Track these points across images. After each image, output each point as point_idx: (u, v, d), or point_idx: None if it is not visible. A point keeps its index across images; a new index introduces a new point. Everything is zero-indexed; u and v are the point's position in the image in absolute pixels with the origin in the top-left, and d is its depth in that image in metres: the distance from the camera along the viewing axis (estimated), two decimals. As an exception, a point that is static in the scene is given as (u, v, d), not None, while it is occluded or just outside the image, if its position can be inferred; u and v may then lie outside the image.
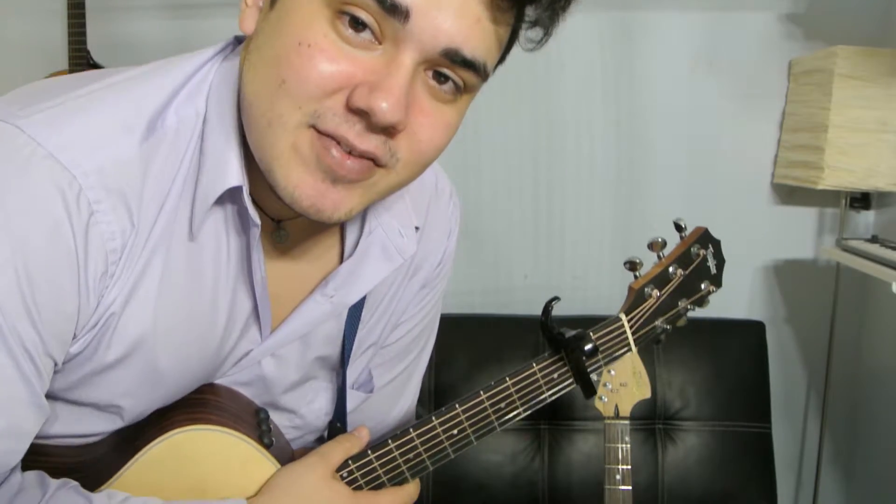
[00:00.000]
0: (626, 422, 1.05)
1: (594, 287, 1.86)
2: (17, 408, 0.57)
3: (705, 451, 1.57)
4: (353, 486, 0.77)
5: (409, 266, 0.82)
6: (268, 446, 0.72)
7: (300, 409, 0.82)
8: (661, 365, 1.59)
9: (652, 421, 1.59)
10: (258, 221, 0.63)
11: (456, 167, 1.80)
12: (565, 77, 1.75)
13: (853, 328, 1.81)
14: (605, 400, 1.05)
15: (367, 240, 0.73)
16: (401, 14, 0.53)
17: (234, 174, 0.61)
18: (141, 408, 0.69)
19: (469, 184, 1.81)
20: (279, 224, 0.69)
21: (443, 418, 0.79)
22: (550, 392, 0.83)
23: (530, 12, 0.59)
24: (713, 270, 0.89)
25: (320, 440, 0.88)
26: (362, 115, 0.55)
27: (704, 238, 0.89)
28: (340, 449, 0.76)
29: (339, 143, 0.56)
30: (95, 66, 1.70)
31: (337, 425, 0.81)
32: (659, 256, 0.88)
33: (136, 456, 0.67)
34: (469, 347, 1.63)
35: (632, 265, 0.87)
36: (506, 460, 1.57)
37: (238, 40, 0.67)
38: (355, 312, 0.78)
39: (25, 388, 0.57)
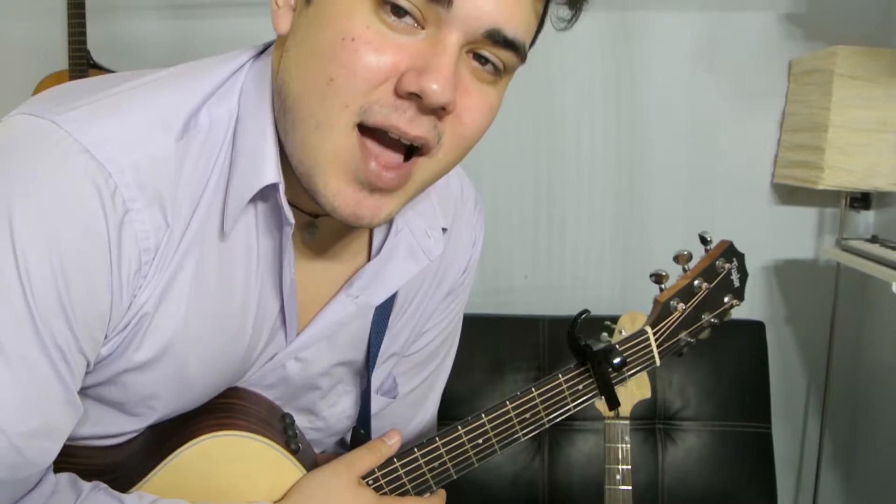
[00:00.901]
0: (626, 422, 1.05)
1: (594, 287, 1.86)
2: (51, 406, 0.57)
3: (705, 451, 1.57)
4: (379, 493, 0.76)
5: (436, 272, 0.81)
6: (294, 452, 0.72)
7: (322, 411, 0.81)
8: (661, 365, 1.59)
9: (652, 421, 1.59)
10: (292, 220, 0.62)
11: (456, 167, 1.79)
12: (565, 77, 1.75)
13: (853, 328, 1.81)
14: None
15: (394, 240, 0.73)
16: (444, 0, 0.53)
17: (270, 171, 0.60)
18: (168, 409, 0.69)
19: (469, 184, 1.81)
20: (313, 220, 0.69)
21: (468, 427, 0.78)
22: (575, 403, 0.82)
23: None
24: (736, 284, 0.89)
25: (342, 443, 0.88)
26: (412, 98, 0.55)
27: (729, 252, 0.89)
28: (369, 457, 0.75)
29: (387, 133, 0.56)
30: (95, 66, 1.70)
31: (360, 431, 0.80)
32: (684, 269, 0.88)
33: (166, 460, 0.68)
34: (469, 347, 1.62)
35: (657, 278, 0.87)
36: (506, 460, 1.57)
37: (270, 44, 0.67)
38: (382, 317, 0.78)
39: (60, 386, 0.57)
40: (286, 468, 0.71)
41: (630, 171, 1.80)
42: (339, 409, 0.82)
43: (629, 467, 1.04)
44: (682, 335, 0.87)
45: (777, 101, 1.74)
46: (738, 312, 1.79)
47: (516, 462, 1.58)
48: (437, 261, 0.78)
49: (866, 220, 1.78)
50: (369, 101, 0.55)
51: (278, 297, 0.69)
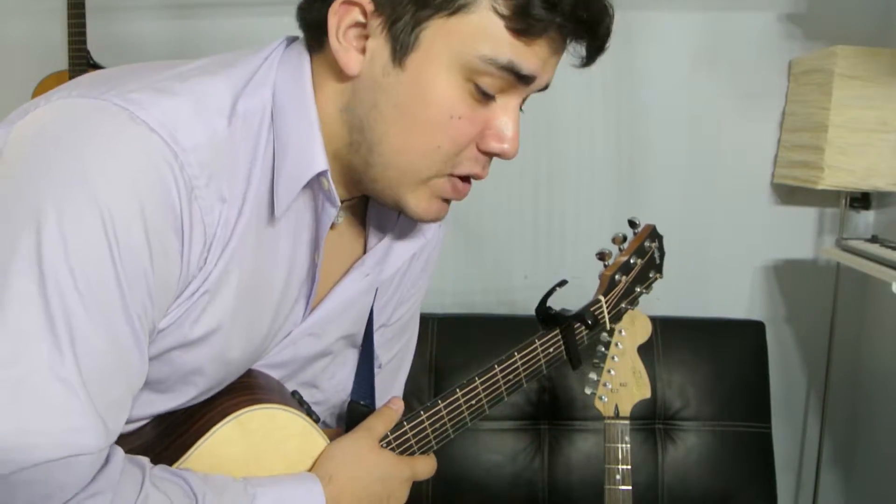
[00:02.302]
0: (626, 422, 1.05)
1: (594, 287, 1.85)
2: (131, 374, 0.59)
3: (705, 451, 1.57)
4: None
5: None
6: (316, 421, 0.78)
7: (322, 383, 0.85)
8: (661, 365, 1.59)
9: (652, 421, 1.59)
10: (338, 203, 0.68)
11: (456, 167, 1.80)
12: (565, 76, 1.75)
13: (853, 328, 1.81)
14: (605, 400, 1.05)
15: (396, 220, 0.81)
16: (528, 80, 0.67)
17: (320, 160, 0.66)
18: (206, 386, 0.71)
19: (469, 184, 1.81)
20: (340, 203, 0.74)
21: (465, 390, 0.87)
22: (546, 362, 0.95)
23: (584, 60, 0.73)
24: (658, 261, 1.07)
25: (339, 418, 0.91)
26: (491, 155, 0.69)
27: (653, 234, 1.07)
28: (382, 421, 0.81)
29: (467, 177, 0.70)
30: (96, 66, 1.70)
31: (361, 404, 0.84)
32: (619, 249, 1.04)
33: (205, 436, 0.71)
34: (469, 347, 1.63)
35: (602, 255, 1.03)
36: (506, 460, 1.57)
37: (289, 40, 0.71)
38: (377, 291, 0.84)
39: (138, 353, 0.59)
40: (312, 436, 0.77)
41: (630, 171, 1.80)
42: (336, 381, 0.87)
43: (629, 467, 1.05)
44: (623, 304, 1.02)
45: (777, 101, 1.74)
46: (738, 312, 1.81)
47: (516, 462, 1.58)
48: None
49: (866, 220, 1.78)
50: (461, 158, 0.68)
51: (308, 275, 0.74)
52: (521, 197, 1.82)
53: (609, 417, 1.05)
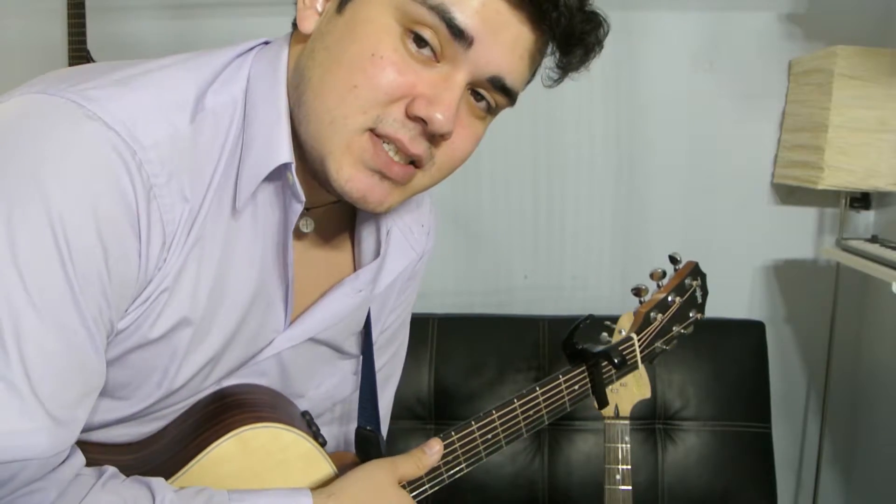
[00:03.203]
0: (626, 422, 1.05)
1: (594, 287, 1.86)
2: (88, 376, 0.58)
3: (705, 451, 1.57)
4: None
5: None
6: (323, 445, 0.76)
7: (308, 392, 0.84)
8: (661, 365, 1.59)
9: (652, 421, 1.59)
10: (303, 198, 0.66)
11: (456, 167, 1.80)
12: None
13: (853, 328, 1.81)
14: (605, 400, 1.05)
15: (388, 239, 0.80)
16: (465, 41, 0.60)
17: (285, 151, 0.64)
18: (169, 388, 0.69)
19: (469, 184, 1.81)
20: (306, 212, 0.73)
21: (481, 423, 0.85)
22: (570, 400, 0.92)
23: (563, 60, 0.67)
24: (699, 300, 1.02)
25: (345, 443, 0.91)
26: (419, 122, 0.62)
27: (695, 271, 1.02)
28: (411, 467, 0.78)
29: (391, 144, 0.63)
30: (95, 66, 1.70)
31: (368, 429, 0.81)
32: (658, 285, 1.00)
33: (204, 452, 0.69)
34: (469, 347, 1.63)
35: (638, 291, 0.99)
36: (506, 460, 1.57)
37: (266, 43, 0.71)
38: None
39: (95, 356, 0.58)
40: (317, 460, 0.75)
41: (630, 171, 1.80)
42: (323, 390, 0.85)
43: (629, 467, 1.05)
44: (658, 343, 0.99)
45: (777, 101, 1.74)
46: (738, 312, 1.81)
47: (516, 462, 1.58)
48: None
49: (866, 220, 1.78)
50: (384, 114, 0.61)
51: (280, 277, 0.72)
52: (521, 197, 1.82)
53: (609, 417, 1.05)
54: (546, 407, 0.89)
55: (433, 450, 0.79)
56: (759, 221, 1.80)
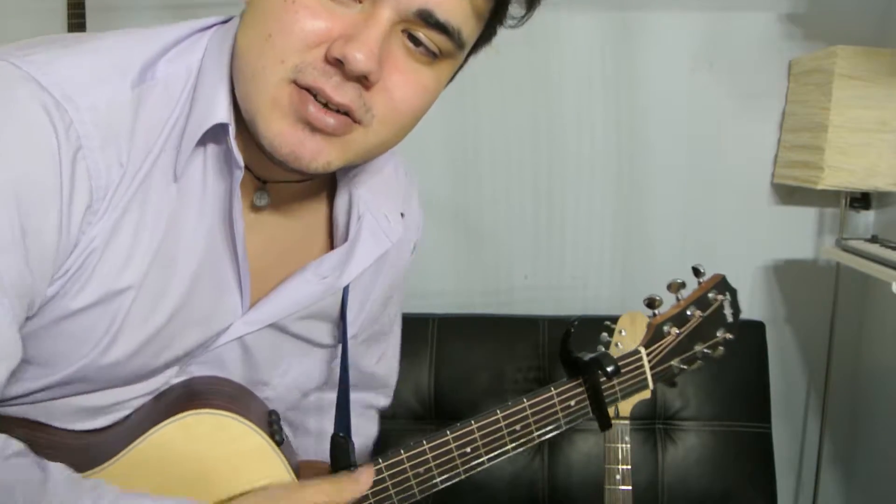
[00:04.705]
0: (626, 422, 1.05)
1: (594, 287, 1.86)
2: (6, 344, 0.58)
3: (705, 451, 1.57)
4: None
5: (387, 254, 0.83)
6: (279, 443, 0.72)
7: (272, 380, 0.80)
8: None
9: (652, 421, 1.59)
10: (241, 164, 0.63)
11: (456, 167, 1.80)
12: (565, 77, 1.75)
13: (853, 328, 1.81)
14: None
15: (358, 224, 0.75)
16: None
17: (221, 112, 0.62)
18: (101, 375, 0.67)
19: (469, 184, 1.81)
20: (263, 185, 0.70)
21: (457, 433, 0.77)
22: (566, 420, 0.81)
23: None
24: (729, 319, 0.90)
25: (290, 424, 0.88)
26: (338, 65, 0.57)
27: (722, 285, 0.90)
28: (328, 491, 0.71)
29: (316, 96, 0.58)
30: (95, 66, 1.70)
31: (340, 436, 0.78)
32: (677, 298, 0.89)
33: (146, 434, 0.67)
34: (469, 347, 1.63)
35: (651, 302, 0.88)
36: (506, 460, 1.57)
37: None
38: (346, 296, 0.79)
39: (10, 326, 0.57)
40: (269, 456, 0.71)
41: (630, 170, 1.80)
42: (289, 379, 0.81)
43: (629, 467, 1.04)
44: (675, 362, 0.88)
45: (777, 101, 1.74)
46: (738, 312, 1.80)
47: (516, 462, 1.58)
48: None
49: (866, 220, 1.78)
50: (303, 62, 0.58)
51: (229, 252, 0.69)
52: (521, 197, 1.82)
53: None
54: (535, 421, 0.80)
55: (364, 479, 0.74)
56: (759, 221, 1.80)
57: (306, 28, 0.57)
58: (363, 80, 0.58)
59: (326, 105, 0.58)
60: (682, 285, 0.89)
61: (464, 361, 1.61)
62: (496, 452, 0.79)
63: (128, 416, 0.71)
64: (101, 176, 0.59)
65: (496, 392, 1.58)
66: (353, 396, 0.88)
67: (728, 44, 1.74)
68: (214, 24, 0.68)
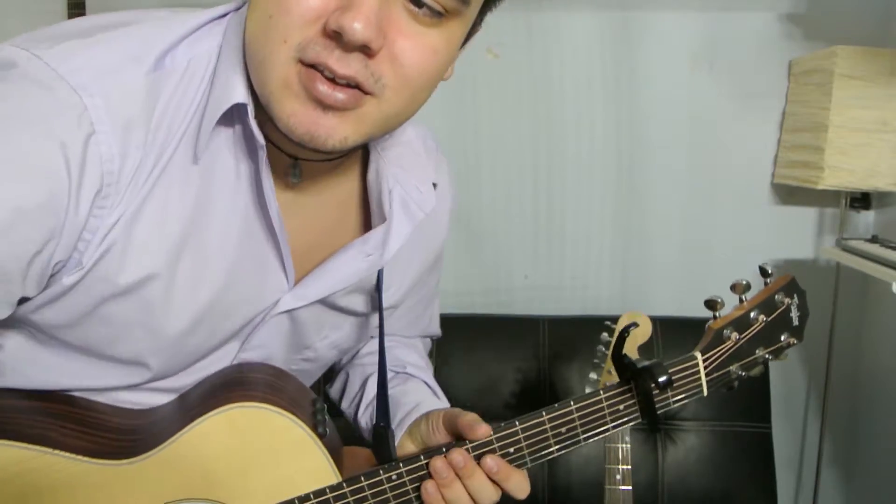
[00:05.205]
0: (627, 422, 1.05)
1: (594, 287, 1.86)
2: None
3: (705, 451, 1.57)
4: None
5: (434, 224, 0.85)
6: (321, 436, 0.72)
7: (314, 343, 0.82)
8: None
9: (652, 421, 1.59)
10: (262, 142, 0.64)
11: (457, 167, 1.79)
12: (565, 77, 1.75)
13: (853, 328, 1.81)
14: (606, 400, 1.05)
15: (389, 199, 0.75)
16: None
17: (239, 92, 0.62)
18: (164, 358, 0.69)
19: (469, 184, 1.81)
20: (295, 161, 0.70)
21: (500, 434, 0.75)
22: (613, 423, 0.78)
23: None
24: (795, 322, 0.85)
25: (359, 430, 0.91)
26: (338, 38, 0.56)
27: (791, 287, 0.85)
28: None
29: (322, 73, 0.57)
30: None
31: (381, 425, 0.78)
32: (741, 299, 0.84)
33: (191, 424, 0.69)
34: (469, 347, 1.63)
35: (711, 304, 0.83)
36: (506, 460, 1.57)
37: None
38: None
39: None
40: (311, 450, 0.72)
41: (630, 170, 1.80)
42: (329, 342, 0.84)
43: (629, 467, 1.04)
44: (734, 367, 0.83)
45: (777, 101, 1.74)
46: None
47: (516, 462, 1.58)
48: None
49: (866, 220, 1.78)
50: (305, 39, 0.57)
51: (265, 229, 0.70)
52: (521, 197, 1.82)
53: (609, 417, 1.05)
54: (582, 424, 0.77)
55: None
56: (759, 221, 1.80)
57: (302, 4, 0.56)
58: (365, 50, 0.57)
59: (335, 80, 0.58)
60: (748, 287, 0.83)
61: (464, 361, 1.61)
62: (540, 455, 0.77)
63: (175, 399, 0.74)
64: (114, 161, 0.60)
65: (496, 392, 1.58)
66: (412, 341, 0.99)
67: (728, 44, 1.74)
68: (229, 12, 0.69)
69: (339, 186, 0.76)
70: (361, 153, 0.78)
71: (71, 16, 1.66)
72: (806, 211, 1.80)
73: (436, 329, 1.05)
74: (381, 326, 0.82)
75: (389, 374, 0.91)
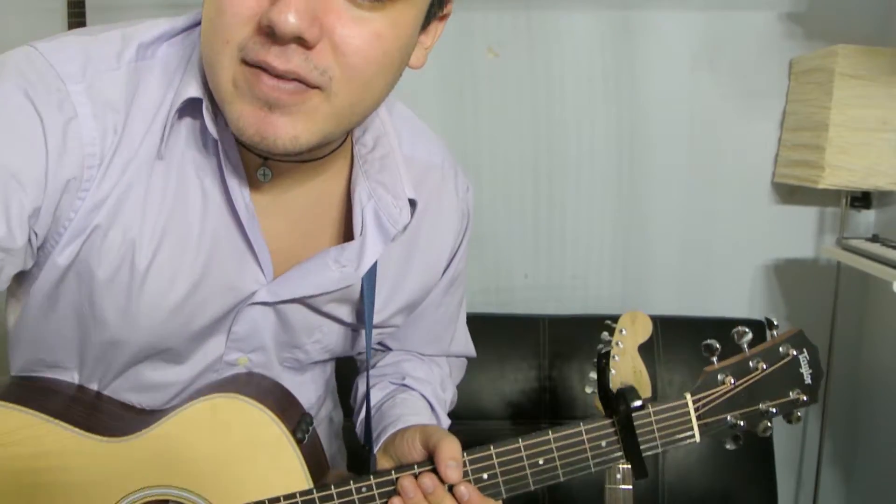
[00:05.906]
0: (627, 421, 1.04)
1: (594, 287, 1.85)
2: None
3: (705, 451, 1.57)
4: None
5: (411, 243, 0.84)
6: (299, 441, 0.72)
7: (305, 345, 0.83)
8: (661, 365, 1.59)
9: (652, 420, 1.59)
10: (216, 136, 0.65)
11: (456, 167, 1.80)
12: (565, 76, 1.75)
13: (853, 328, 1.81)
14: (606, 400, 1.05)
15: (364, 213, 0.74)
16: None
17: (193, 88, 0.64)
18: (139, 334, 0.72)
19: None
20: (264, 161, 0.70)
21: (472, 457, 0.73)
22: (595, 462, 0.76)
23: None
24: (807, 379, 0.79)
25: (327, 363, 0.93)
26: (272, 33, 0.55)
27: (798, 339, 0.80)
28: None
29: (267, 71, 0.57)
30: (95, 65, 1.70)
31: (365, 448, 0.80)
32: (742, 347, 0.81)
33: (176, 410, 0.72)
34: (469, 347, 1.62)
35: (709, 349, 0.80)
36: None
37: None
38: (370, 283, 0.79)
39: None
40: (286, 450, 0.72)
41: (630, 170, 1.80)
42: (321, 345, 0.84)
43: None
44: (730, 415, 0.80)
45: (777, 100, 1.74)
46: (738, 312, 1.80)
47: (516, 462, 1.57)
48: (412, 232, 0.80)
49: (867, 219, 1.78)
50: (244, 39, 0.57)
51: (236, 224, 0.71)
52: (521, 197, 1.82)
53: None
54: (562, 459, 0.75)
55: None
56: (759, 221, 1.80)
57: (236, 3, 0.56)
58: (302, 42, 0.55)
59: (282, 77, 0.57)
60: (745, 333, 0.79)
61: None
62: (516, 484, 0.74)
63: (174, 397, 0.78)
64: (95, 144, 0.63)
65: (496, 392, 1.58)
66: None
67: (728, 43, 1.74)
68: None
69: (320, 189, 0.75)
70: (349, 158, 0.77)
71: (71, 15, 1.66)
72: (806, 210, 1.80)
73: (462, 349, 1.02)
74: (367, 341, 0.81)
75: (390, 387, 0.91)
